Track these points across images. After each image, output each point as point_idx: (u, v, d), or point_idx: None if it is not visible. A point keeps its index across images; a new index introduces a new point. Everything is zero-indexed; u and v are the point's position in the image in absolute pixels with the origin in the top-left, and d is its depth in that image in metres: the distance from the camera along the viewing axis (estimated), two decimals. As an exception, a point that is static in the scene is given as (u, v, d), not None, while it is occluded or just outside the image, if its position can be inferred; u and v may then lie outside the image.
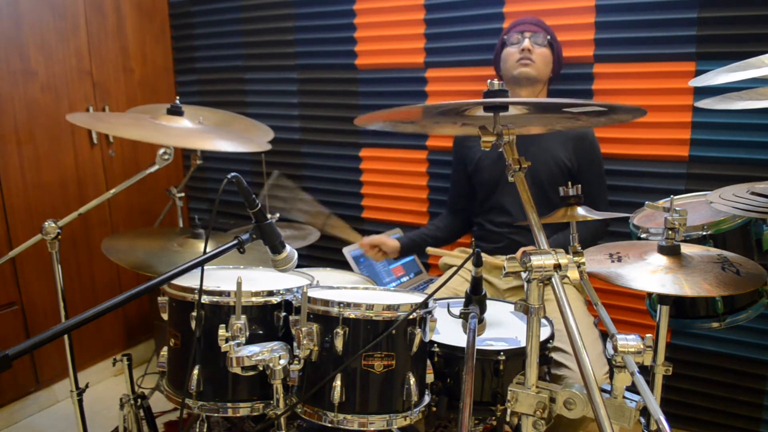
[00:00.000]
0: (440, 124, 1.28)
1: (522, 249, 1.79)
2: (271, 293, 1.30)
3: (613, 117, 1.15)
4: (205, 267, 1.16)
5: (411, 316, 1.20)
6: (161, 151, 1.55)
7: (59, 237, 1.49)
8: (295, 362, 1.20)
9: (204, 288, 1.24)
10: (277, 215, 2.02)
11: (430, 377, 1.28)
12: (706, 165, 1.93)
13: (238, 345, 1.15)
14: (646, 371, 1.13)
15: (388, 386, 1.22)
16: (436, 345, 1.34)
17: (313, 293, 1.26)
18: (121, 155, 2.71)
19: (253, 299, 1.29)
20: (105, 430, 2.20)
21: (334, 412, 1.20)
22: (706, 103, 1.27)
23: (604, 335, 1.11)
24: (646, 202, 1.34)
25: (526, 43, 1.89)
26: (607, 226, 1.97)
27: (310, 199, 2.05)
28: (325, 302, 1.22)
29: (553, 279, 0.89)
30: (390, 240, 2.01)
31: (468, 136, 2.05)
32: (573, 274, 0.90)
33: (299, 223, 2.52)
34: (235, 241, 1.18)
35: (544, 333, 1.40)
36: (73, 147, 2.50)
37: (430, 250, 1.94)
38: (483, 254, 1.28)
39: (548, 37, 1.91)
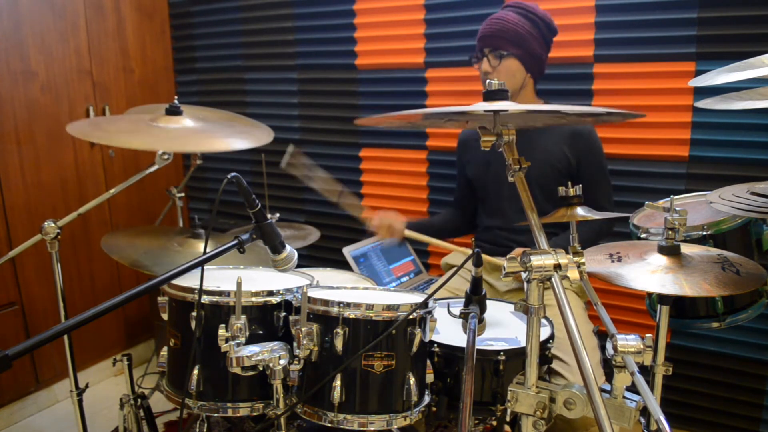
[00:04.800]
0: (429, 119, 1.28)
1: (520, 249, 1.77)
2: (271, 293, 1.30)
3: (611, 117, 1.15)
4: (205, 267, 1.16)
5: (411, 316, 1.20)
6: (161, 151, 1.55)
7: (59, 237, 1.48)
8: (295, 362, 1.20)
9: (204, 288, 1.24)
10: (277, 215, 2.02)
11: (430, 377, 1.28)
12: (706, 165, 1.93)
13: (238, 345, 1.15)
14: (646, 371, 1.13)
15: (388, 386, 1.22)
16: (436, 345, 1.34)
17: (313, 293, 1.26)
18: (121, 155, 2.71)
19: (253, 299, 1.29)
20: (105, 430, 2.20)
21: (333, 412, 1.20)
22: (706, 103, 1.27)
23: (604, 343, 1.11)
24: (646, 202, 1.34)
25: (484, 64, 1.84)
26: (611, 225, 1.95)
27: (325, 175, 2.03)
28: (325, 302, 1.21)
29: (552, 279, 0.89)
30: (398, 222, 1.95)
31: (468, 139, 2.05)
32: (573, 274, 0.90)
33: (299, 223, 2.53)
34: (235, 241, 1.18)
35: (544, 333, 1.40)
36: (73, 147, 2.50)
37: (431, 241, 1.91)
38: (483, 255, 1.28)
39: (509, 49, 1.80)
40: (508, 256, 0.93)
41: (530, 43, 1.82)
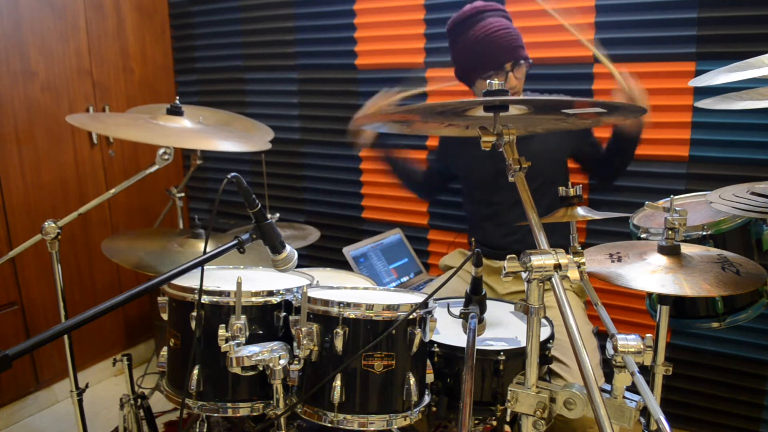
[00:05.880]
0: (428, 124, 1.27)
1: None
2: (271, 293, 1.30)
3: (611, 118, 1.15)
4: (205, 267, 1.16)
5: (411, 316, 1.20)
6: (161, 151, 1.55)
7: (59, 237, 1.48)
8: (295, 362, 1.20)
9: (204, 288, 1.24)
10: (277, 215, 2.02)
11: (430, 377, 1.28)
12: (706, 165, 1.93)
13: (238, 345, 1.15)
14: (646, 371, 1.13)
15: (388, 386, 1.22)
16: (436, 345, 1.34)
17: (313, 293, 1.26)
18: (121, 155, 2.71)
19: (253, 299, 1.28)
20: (105, 430, 2.20)
21: (334, 412, 1.20)
22: (706, 103, 1.27)
23: (604, 342, 1.11)
24: (646, 202, 1.34)
25: (511, 80, 1.73)
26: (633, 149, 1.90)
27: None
28: (325, 302, 1.21)
29: (553, 279, 0.89)
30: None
31: (455, 140, 2.02)
32: (573, 274, 0.90)
33: (299, 222, 2.53)
34: (235, 241, 1.18)
35: (544, 333, 1.40)
36: (73, 147, 2.50)
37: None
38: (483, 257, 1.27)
39: (526, 55, 1.76)
40: (508, 256, 0.93)
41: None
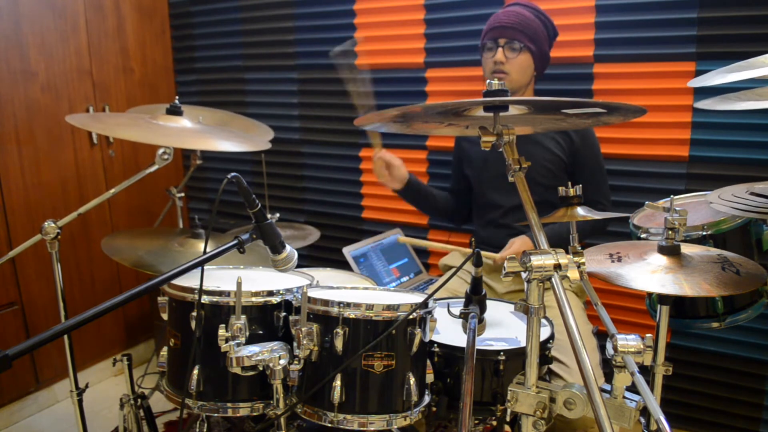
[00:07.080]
0: (428, 123, 1.27)
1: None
2: (271, 293, 1.30)
3: (610, 118, 1.15)
4: (205, 267, 1.16)
5: (411, 316, 1.20)
6: (161, 150, 1.55)
7: (59, 237, 1.48)
8: (295, 362, 1.20)
9: (204, 288, 1.24)
10: (277, 215, 2.02)
11: (430, 377, 1.28)
12: (706, 165, 1.93)
13: (238, 345, 1.15)
14: (646, 371, 1.13)
15: (387, 386, 1.22)
16: (436, 345, 1.34)
17: (313, 293, 1.26)
18: (121, 155, 2.71)
19: (253, 299, 1.28)
20: (105, 430, 2.20)
21: (334, 412, 1.20)
22: (705, 104, 1.27)
23: (603, 342, 1.11)
24: (646, 202, 1.34)
25: (499, 54, 1.83)
26: (605, 223, 1.95)
27: (367, 80, 1.92)
28: (325, 302, 1.21)
29: (552, 279, 0.89)
30: (402, 167, 1.95)
31: (465, 137, 2.05)
32: (573, 274, 0.89)
33: (299, 223, 2.53)
34: (235, 241, 1.18)
35: (544, 333, 1.40)
36: (73, 147, 2.50)
37: (401, 239, 2.04)
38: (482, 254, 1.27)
39: (526, 43, 1.81)
40: (508, 256, 0.93)
41: (543, 43, 1.86)
